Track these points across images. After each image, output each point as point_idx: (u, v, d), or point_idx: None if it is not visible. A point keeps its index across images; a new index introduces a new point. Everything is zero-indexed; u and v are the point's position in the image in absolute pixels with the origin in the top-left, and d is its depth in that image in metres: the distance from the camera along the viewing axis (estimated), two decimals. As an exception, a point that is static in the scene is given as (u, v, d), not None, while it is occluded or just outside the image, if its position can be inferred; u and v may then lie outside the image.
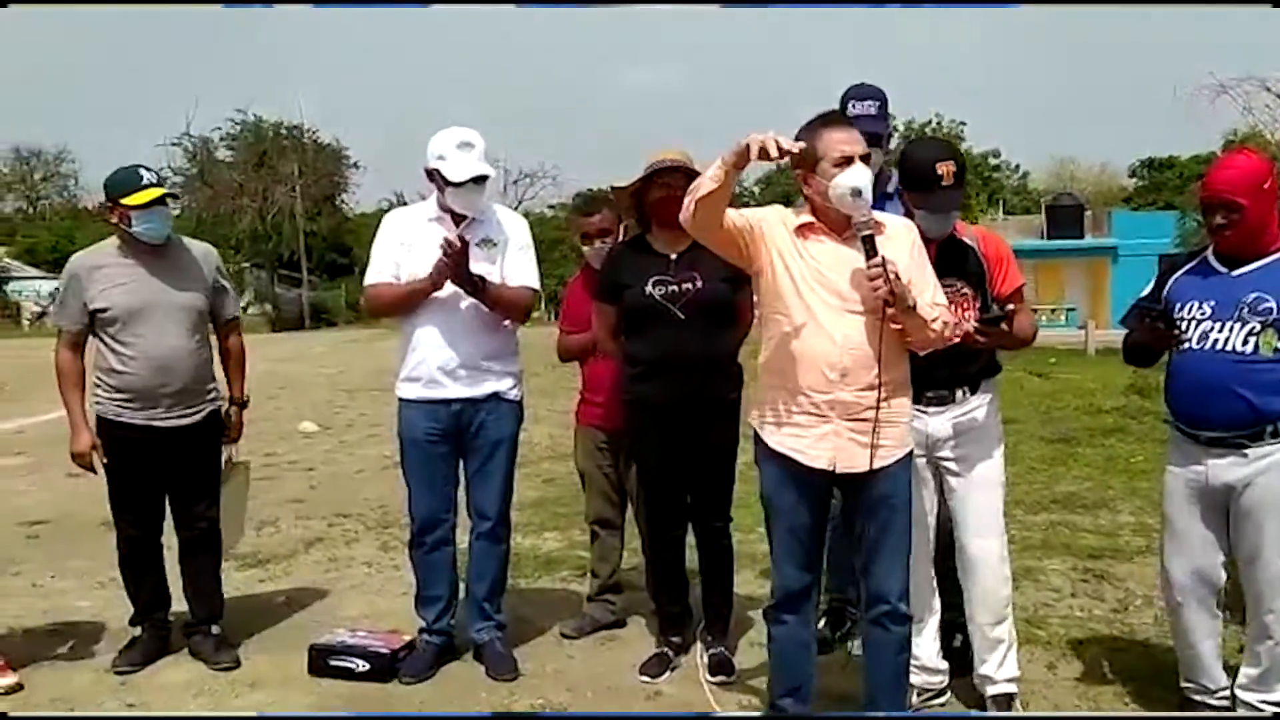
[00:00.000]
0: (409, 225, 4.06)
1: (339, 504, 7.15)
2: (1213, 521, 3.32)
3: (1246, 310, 3.18)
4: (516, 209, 4.44)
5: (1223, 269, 3.28)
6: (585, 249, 4.39)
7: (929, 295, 3.03)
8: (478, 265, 3.91)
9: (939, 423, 3.45)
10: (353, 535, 6.34)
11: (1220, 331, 3.22)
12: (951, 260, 3.36)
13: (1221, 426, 3.22)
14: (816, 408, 3.03)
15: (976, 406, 3.48)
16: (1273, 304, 3.15)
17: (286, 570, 5.58)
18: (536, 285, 4.16)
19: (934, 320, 2.97)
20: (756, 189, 44.88)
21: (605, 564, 4.54)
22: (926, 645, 3.56)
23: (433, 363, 3.96)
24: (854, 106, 4.00)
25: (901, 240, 3.06)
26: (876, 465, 3.01)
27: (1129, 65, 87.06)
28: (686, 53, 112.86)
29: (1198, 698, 3.46)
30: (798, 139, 2.94)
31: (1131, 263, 28.23)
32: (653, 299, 3.80)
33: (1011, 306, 3.40)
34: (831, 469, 3.04)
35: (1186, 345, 3.26)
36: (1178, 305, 3.31)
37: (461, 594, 4.27)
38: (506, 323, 4.06)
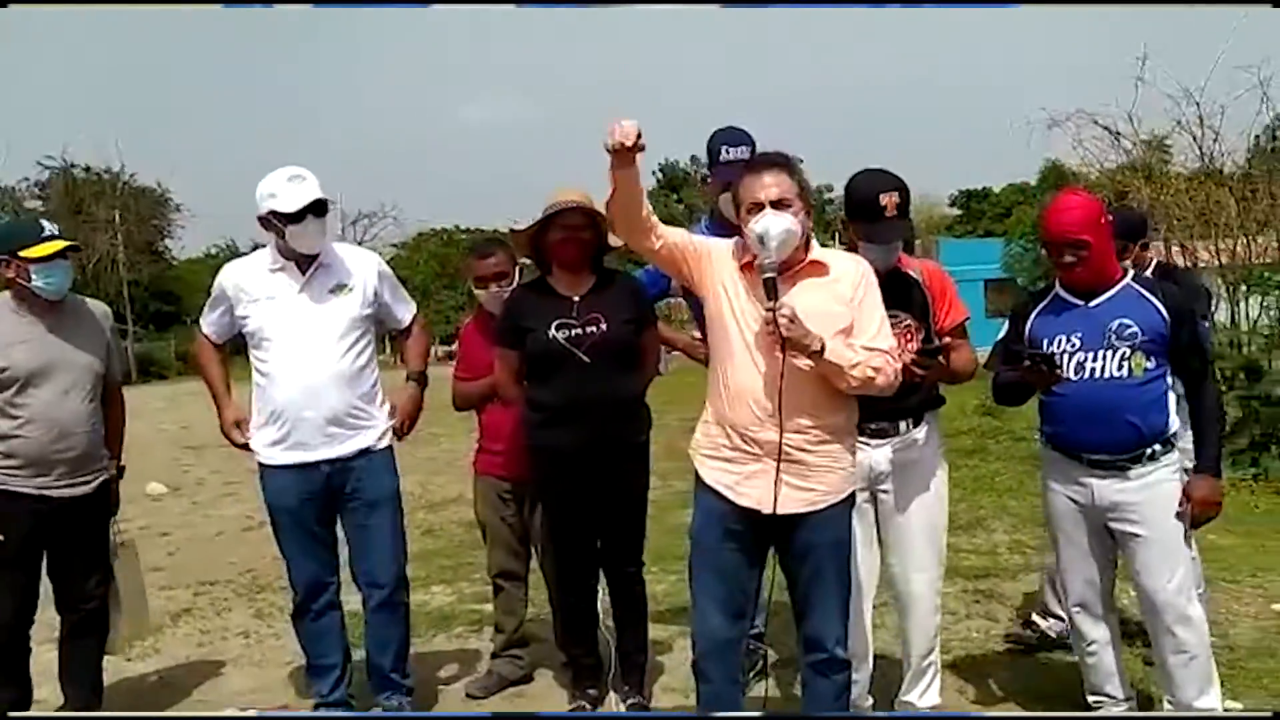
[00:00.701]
0: (248, 279, 3.84)
1: (203, 571, 6.73)
2: (1099, 536, 3.44)
3: (1114, 337, 3.31)
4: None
5: (1079, 302, 3.41)
6: (480, 293, 4.25)
7: (865, 339, 2.99)
8: (333, 309, 3.76)
9: (881, 455, 3.46)
10: (223, 604, 5.97)
11: (1095, 361, 3.34)
12: (896, 292, 3.36)
13: (1107, 450, 3.34)
14: (748, 445, 3.00)
15: (918, 439, 3.50)
16: (1136, 328, 3.30)
17: (155, 646, 5.18)
18: (414, 307, 4.14)
19: (852, 367, 2.91)
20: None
21: (511, 618, 4.38)
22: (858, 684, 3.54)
23: (294, 423, 3.74)
24: (726, 152, 4.00)
25: (846, 280, 3.04)
26: (798, 510, 2.99)
27: (945, 99, 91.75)
28: (526, 87, 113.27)
29: (1108, 710, 3.55)
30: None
31: (961, 287, 29.38)
32: (557, 343, 3.70)
33: (948, 340, 3.44)
34: (759, 509, 3.00)
35: (1064, 378, 3.37)
36: (1044, 342, 3.41)
37: (355, 656, 4.05)
38: (371, 370, 3.88)
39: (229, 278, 3.87)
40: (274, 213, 3.67)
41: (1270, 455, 8.18)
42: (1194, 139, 9.37)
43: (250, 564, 6.71)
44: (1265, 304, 9.16)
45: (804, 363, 2.91)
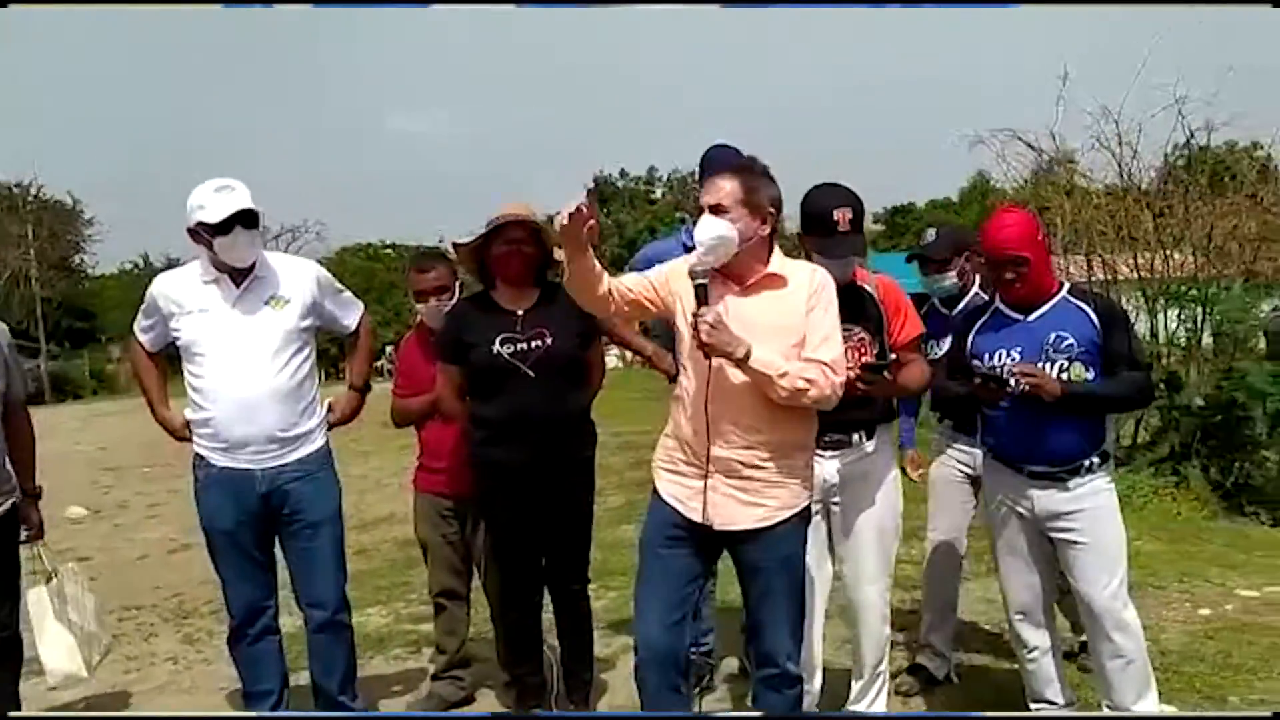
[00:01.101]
0: (180, 291, 3.71)
1: (127, 595, 6.50)
2: (1040, 544, 3.50)
3: (1051, 350, 3.37)
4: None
5: (1018, 316, 3.47)
6: (420, 307, 4.18)
7: (808, 349, 2.95)
8: (268, 322, 3.66)
9: (831, 466, 3.47)
10: (149, 629, 5.78)
11: None
12: (850, 306, 3.36)
13: (1048, 462, 3.40)
14: (697, 459, 3.00)
15: (871, 451, 3.52)
16: (1072, 340, 3.37)
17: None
18: (360, 308, 4.06)
19: (781, 376, 2.86)
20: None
21: (453, 638, 4.29)
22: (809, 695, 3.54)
23: (229, 440, 3.64)
24: None
25: (800, 291, 3.01)
26: (748, 526, 2.98)
27: (862, 117, 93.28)
28: (450, 99, 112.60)
29: (1049, 713, 3.60)
30: None
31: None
32: (501, 358, 3.66)
33: (894, 356, 3.46)
34: (708, 524, 2.99)
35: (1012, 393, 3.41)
36: (986, 356, 3.46)
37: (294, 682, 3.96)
38: (310, 385, 3.80)
39: (160, 289, 3.74)
40: (202, 224, 3.54)
41: (1190, 464, 8.42)
42: (1113, 155, 9.63)
43: (176, 588, 6.54)
44: (1182, 317, 9.46)
45: (736, 373, 2.90)
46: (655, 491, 3.14)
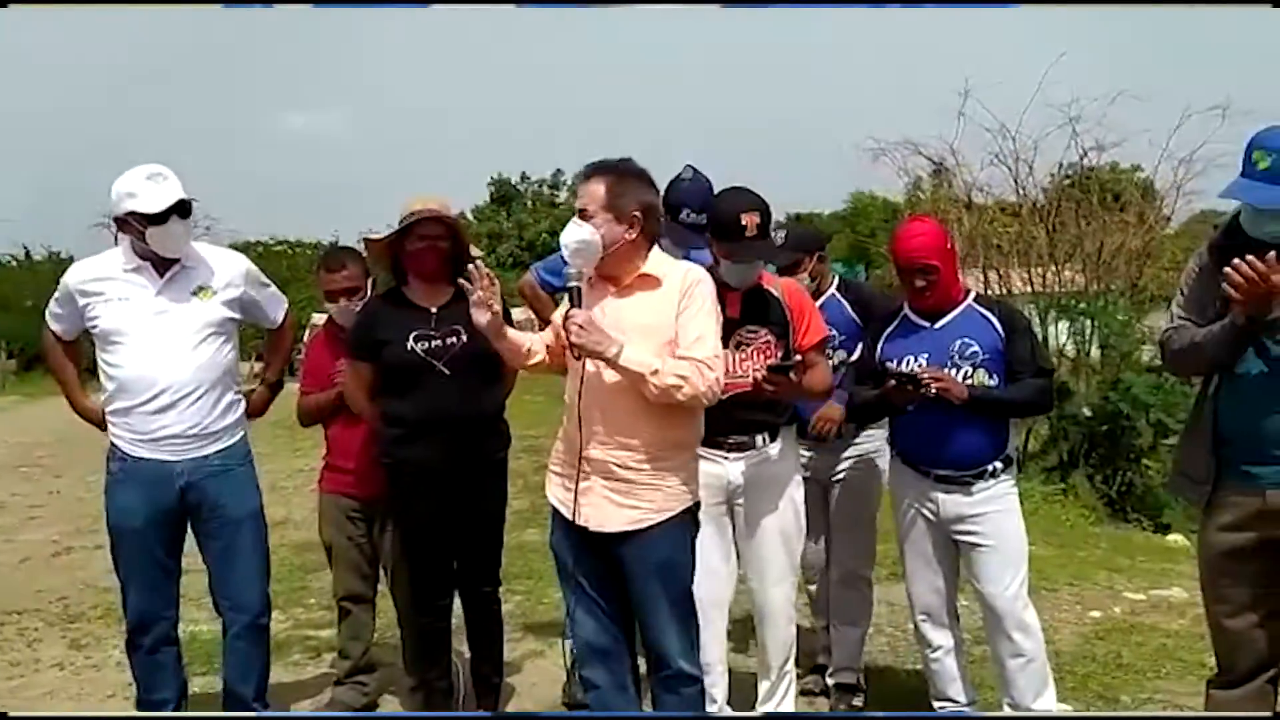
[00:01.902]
0: (99, 279, 3.55)
1: (8, 600, 6.19)
2: (945, 546, 3.58)
3: (957, 356, 3.47)
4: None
5: (925, 323, 3.56)
6: (330, 307, 4.07)
7: (681, 348, 2.91)
8: (193, 313, 3.53)
9: (735, 469, 3.49)
10: (34, 634, 5.50)
11: None
12: (756, 309, 3.41)
13: (953, 465, 3.48)
14: (574, 460, 3.01)
15: (771, 454, 3.54)
16: (977, 347, 3.46)
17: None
18: (285, 302, 3.99)
19: (653, 374, 2.84)
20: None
21: (357, 643, 4.18)
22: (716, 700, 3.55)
23: (152, 431, 3.49)
24: (686, 215, 3.95)
25: (671, 292, 2.98)
26: (624, 528, 2.97)
27: (765, 129, 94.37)
28: (343, 98, 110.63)
29: (952, 712, 3.68)
30: None
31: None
32: (415, 355, 3.59)
33: (799, 358, 3.48)
34: (584, 526, 3.00)
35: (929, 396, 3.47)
36: (894, 362, 3.52)
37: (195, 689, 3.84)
38: (233, 378, 3.68)
39: (76, 278, 3.57)
40: (133, 213, 3.42)
41: (1077, 472, 8.72)
42: (1009, 170, 9.94)
43: (61, 592, 6.25)
44: (1071, 330, 9.80)
45: (610, 373, 2.91)
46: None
